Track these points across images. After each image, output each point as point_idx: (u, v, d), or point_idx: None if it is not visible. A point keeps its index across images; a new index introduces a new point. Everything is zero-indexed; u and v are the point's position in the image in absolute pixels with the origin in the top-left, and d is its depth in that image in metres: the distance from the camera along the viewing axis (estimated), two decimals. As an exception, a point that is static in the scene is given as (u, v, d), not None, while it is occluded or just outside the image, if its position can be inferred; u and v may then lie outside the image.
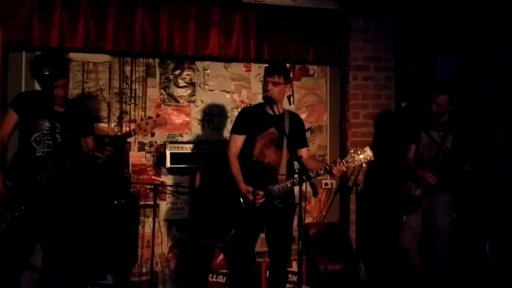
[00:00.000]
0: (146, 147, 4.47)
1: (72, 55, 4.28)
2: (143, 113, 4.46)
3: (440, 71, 4.89)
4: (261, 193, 3.20)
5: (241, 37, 4.43)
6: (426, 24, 4.85)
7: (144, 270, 4.35)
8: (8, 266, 3.04)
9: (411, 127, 4.03)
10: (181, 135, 4.57)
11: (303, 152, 3.43)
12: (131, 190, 4.35)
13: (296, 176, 3.21)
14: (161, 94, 4.55)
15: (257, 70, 4.72)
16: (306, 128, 3.82)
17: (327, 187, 4.81)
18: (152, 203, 4.14)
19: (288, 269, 3.61)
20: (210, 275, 4.09)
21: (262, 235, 3.46)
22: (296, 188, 3.17)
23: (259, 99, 3.50)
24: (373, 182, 4.55)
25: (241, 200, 3.25)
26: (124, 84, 4.46)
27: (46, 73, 2.92)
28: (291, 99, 4.83)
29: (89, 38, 4.11)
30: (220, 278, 4.09)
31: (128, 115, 4.45)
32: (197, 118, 4.63)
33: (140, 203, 4.34)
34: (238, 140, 3.35)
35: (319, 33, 4.62)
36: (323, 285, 4.23)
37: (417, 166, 3.81)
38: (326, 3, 4.55)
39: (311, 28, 4.60)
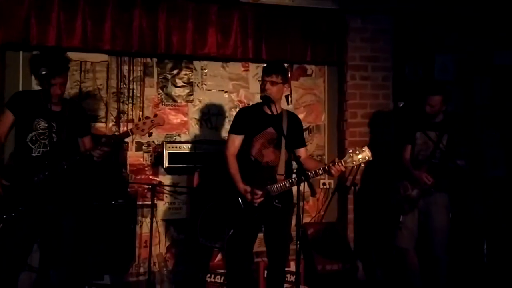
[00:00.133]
0: (144, 147, 4.47)
1: (69, 54, 4.23)
2: (140, 113, 4.45)
3: (437, 71, 4.90)
4: (260, 192, 3.19)
5: (239, 37, 4.43)
6: (424, 24, 4.86)
7: (141, 270, 4.34)
8: (5, 266, 3.03)
9: (406, 127, 4.04)
10: (179, 135, 4.56)
11: (301, 152, 3.44)
12: (128, 190, 4.34)
13: (294, 176, 3.21)
14: (158, 94, 4.54)
15: (255, 69, 4.71)
16: (304, 128, 3.82)
17: (325, 187, 4.81)
18: (149, 203, 4.14)
19: (286, 269, 3.61)
20: (208, 275, 4.09)
21: (260, 235, 3.46)
22: (294, 188, 3.16)
23: (257, 98, 3.49)
24: (371, 182, 4.55)
25: (240, 200, 3.24)
26: (121, 83, 4.45)
27: (43, 72, 2.90)
28: (289, 98, 4.82)
29: (86, 38, 4.09)
30: (218, 278, 4.08)
31: (125, 115, 4.44)
32: (195, 118, 4.62)
33: (137, 203, 4.32)
34: (236, 140, 3.35)
35: (317, 32, 4.62)
36: (321, 285, 4.23)
37: (413, 166, 3.82)
38: (324, 3, 4.55)
39: (309, 27, 4.60)
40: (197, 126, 4.61)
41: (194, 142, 4.44)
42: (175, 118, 4.56)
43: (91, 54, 4.31)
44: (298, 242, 2.79)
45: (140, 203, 4.37)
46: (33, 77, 4.10)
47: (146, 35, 4.21)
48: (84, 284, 3.87)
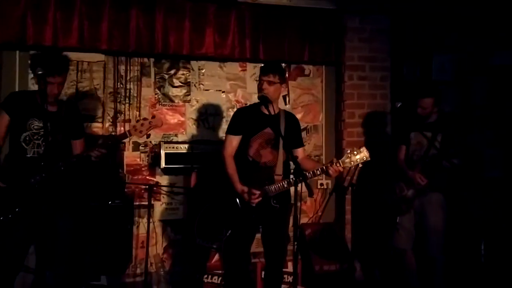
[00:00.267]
0: (140, 147, 4.45)
1: (66, 54, 4.25)
2: (137, 113, 4.44)
3: (435, 71, 4.90)
4: (257, 193, 3.18)
5: (236, 37, 4.42)
6: (422, 24, 4.86)
7: (138, 271, 4.32)
8: (3, 268, 3.02)
9: (401, 128, 4.04)
10: (176, 135, 4.55)
11: (299, 152, 3.43)
12: (125, 190, 4.32)
13: (292, 176, 3.20)
14: (156, 94, 4.53)
15: (253, 69, 4.70)
16: (301, 128, 3.81)
17: (322, 187, 4.81)
18: (146, 203, 4.12)
19: (283, 269, 3.60)
20: (205, 276, 4.07)
21: (258, 236, 3.45)
22: (292, 188, 3.16)
23: (255, 98, 3.49)
24: (369, 182, 4.55)
25: (237, 201, 3.23)
26: (118, 83, 4.43)
27: (40, 72, 2.89)
28: (287, 99, 4.81)
29: (83, 37, 4.07)
30: (215, 279, 4.07)
31: (122, 115, 4.42)
32: (192, 118, 4.60)
33: (134, 203, 4.30)
34: (234, 141, 3.33)
35: (314, 32, 4.61)
36: (318, 286, 4.22)
37: (408, 166, 3.83)
38: (322, 3, 4.55)
39: (307, 27, 4.59)
40: (194, 126, 4.60)
41: (192, 142, 4.43)
42: (172, 118, 4.55)
43: (88, 53, 4.29)
44: (296, 242, 2.79)
45: (137, 203, 4.35)
46: (29, 77, 4.13)
47: (143, 35, 4.19)
48: (81, 285, 3.85)
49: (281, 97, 4.04)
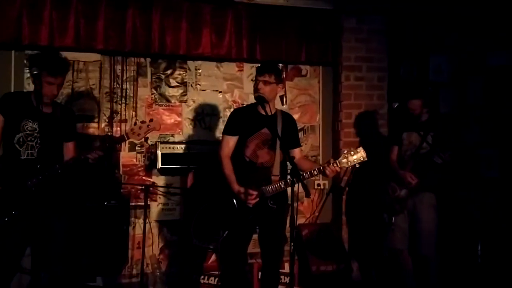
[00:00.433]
0: (137, 148, 4.43)
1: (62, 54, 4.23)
2: (134, 113, 4.43)
3: (432, 72, 4.90)
4: (254, 193, 3.17)
5: (233, 37, 4.41)
6: (419, 25, 4.86)
7: (134, 271, 4.31)
8: (-1, 270, 3.00)
9: (393, 129, 4.03)
10: (172, 135, 4.53)
11: (296, 152, 3.42)
12: (121, 191, 4.31)
13: (289, 177, 3.19)
14: (152, 94, 4.51)
15: (250, 70, 4.69)
16: (298, 128, 3.81)
17: (319, 187, 4.80)
18: (143, 204, 4.11)
19: (280, 270, 3.59)
20: (202, 277, 4.06)
21: (254, 236, 3.44)
22: (289, 189, 3.15)
23: (252, 99, 3.48)
24: (365, 183, 4.54)
25: (234, 201, 3.22)
26: (114, 83, 4.41)
27: (35, 72, 2.88)
28: (284, 99, 4.81)
29: (79, 37, 4.06)
30: (212, 280, 4.06)
31: (118, 115, 4.40)
32: (189, 118, 4.59)
33: (130, 204, 4.29)
34: (231, 141, 3.32)
35: (311, 33, 4.61)
36: (315, 286, 4.22)
37: (400, 167, 3.82)
38: (319, 3, 4.55)
39: (304, 28, 4.59)
40: (191, 127, 4.59)
41: (188, 142, 4.42)
42: (169, 119, 4.53)
43: (83, 53, 4.27)
44: (292, 243, 2.78)
45: (133, 204, 4.34)
46: (25, 77, 4.11)
47: (139, 34, 4.18)
48: (77, 286, 3.84)
49: (278, 98, 4.03)
